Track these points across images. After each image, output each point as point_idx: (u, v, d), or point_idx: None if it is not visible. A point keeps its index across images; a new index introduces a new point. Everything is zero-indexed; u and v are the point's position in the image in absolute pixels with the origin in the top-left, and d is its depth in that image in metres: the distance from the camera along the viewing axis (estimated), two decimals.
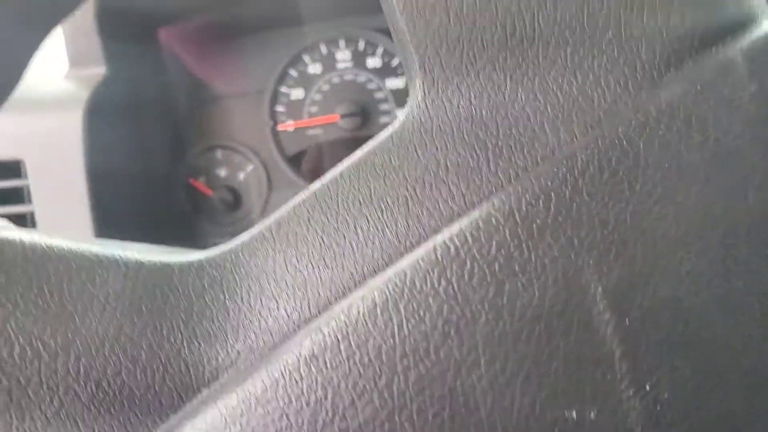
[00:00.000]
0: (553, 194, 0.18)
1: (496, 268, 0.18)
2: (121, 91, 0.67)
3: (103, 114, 0.62)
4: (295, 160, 0.81)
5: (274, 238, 0.22)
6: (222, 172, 0.82)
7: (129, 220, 0.71)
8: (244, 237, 0.23)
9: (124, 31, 0.69)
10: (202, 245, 0.80)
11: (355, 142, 0.82)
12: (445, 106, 0.21)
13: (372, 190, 0.21)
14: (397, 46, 0.22)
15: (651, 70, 0.20)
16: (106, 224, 0.64)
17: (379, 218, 0.21)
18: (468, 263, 0.18)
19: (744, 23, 0.20)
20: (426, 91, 0.21)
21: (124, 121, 0.69)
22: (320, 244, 0.21)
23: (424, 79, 0.21)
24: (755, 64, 0.18)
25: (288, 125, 0.81)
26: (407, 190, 0.21)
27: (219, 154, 0.81)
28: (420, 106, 0.21)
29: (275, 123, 0.81)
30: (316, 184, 0.22)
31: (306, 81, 0.81)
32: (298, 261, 0.21)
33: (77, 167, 0.60)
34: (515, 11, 0.20)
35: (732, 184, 0.18)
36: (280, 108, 0.81)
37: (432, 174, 0.21)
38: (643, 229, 0.18)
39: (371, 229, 0.21)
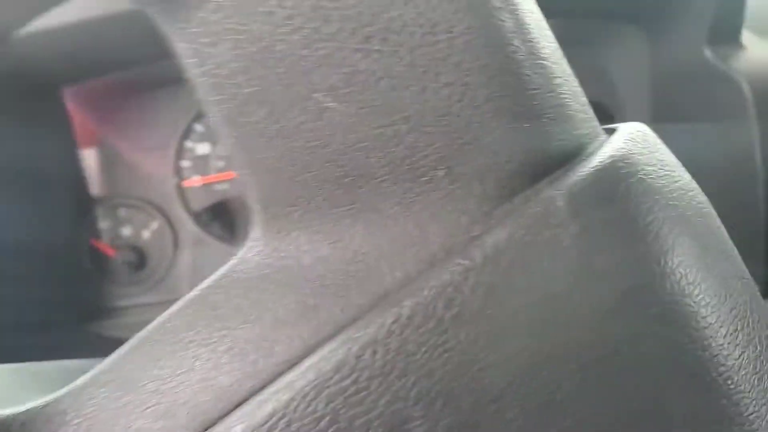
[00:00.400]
0: (380, 345, 0.18)
1: (323, 426, 0.18)
2: (14, 159, 0.64)
3: None
4: (202, 217, 0.79)
5: (109, 382, 0.21)
6: (126, 231, 0.79)
7: (29, 288, 0.67)
8: (77, 382, 0.21)
9: (18, 93, 0.66)
10: (109, 307, 0.77)
11: None
12: (284, 243, 0.21)
13: (209, 332, 0.21)
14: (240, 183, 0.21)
15: (483, 205, 0.20)
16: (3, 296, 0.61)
17: (215, 362, 0.20)
18: (296, 421, 0.18)
19: (570, 158, 0.20)
20: (265, 228, 0.21)
21: (18, 189, 0.66)
22: (155, 392, 0.20)
23: (262, 215, 0.21)
24: (577, 205, 0.19)
25: (194, 181, 0.79)
26: (244, 332, 0.20)
27: (123, 212, 0.79)
28: (258, 243, 0.21)
29: (181, 179, 0.79)
30: (153, 323, 0.22)
31: (212, 136, 0.79)
32: (129, 411, 0.20)
33: None
34: (348, 152, 0.19)
35: (556, 330, 0.18)
36: (185, 163, 0.79)
37: (271, 314, 0.20)
38: (469, 378, 0.18)
39: (208, 374, 0.20)
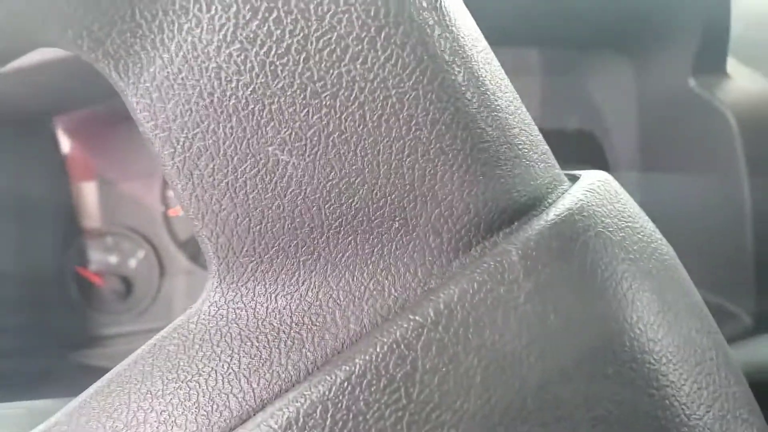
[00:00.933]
0: (330, 403, 0.18)
1: None
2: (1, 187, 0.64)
3: None
4: (187, 246, 0.79)
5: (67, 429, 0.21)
6: (113, 259, 0.78)
7: (15, 315, 0.67)
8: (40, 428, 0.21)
9: (10, 123, 0.66)
10: (94, 336, 0.76)
11: None
12: (239, 295, 0.20)
13: (163, 383, 0.20)
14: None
15: (439, 258, 0.19)
16: None
17: (168, 415, 0.20)
18: None
19: (528, 209, 0.20)
20: (220, 279, 0.21)
21: (4, 217, 0.65)
22: None
23: (217, 266, 0.20)
24: (532, 260, 0.18)
25: (180, 210, 0.79)
26: (198, 384, 0.20)
27: (109, 240, 0.78)
28: (214, 294, 0.21)
29: (167, 208, 0.79)
30: (111, 372, 0.21)
31: None
32: None
33: None
34: (302, 204, 0.19)
35: (510, 390, 0.18)
36: (171, 193, 0.79)
37: (225, 367, 0.20)
38: None
39: (160, 427, 0.20)
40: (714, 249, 0.68)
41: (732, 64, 0.71)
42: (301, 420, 0.18)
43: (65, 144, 0.76)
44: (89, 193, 0.78)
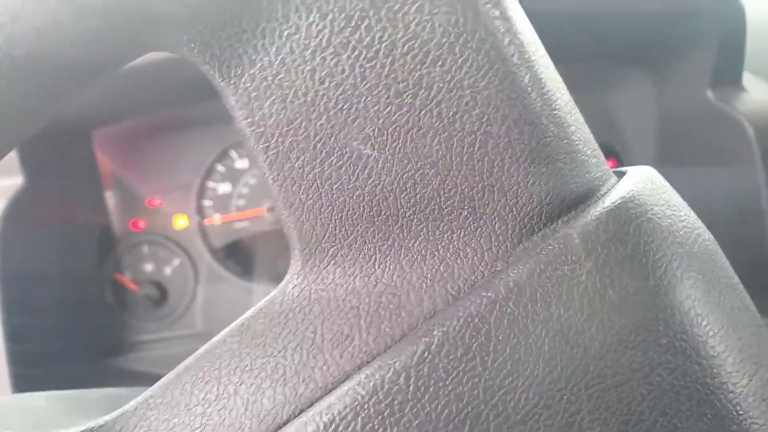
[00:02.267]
0: (412, 371, 0.19)
1: None
2: (43, 199, 0.66)
3: (21, 222, 0.61)
4: (221, 254, 0.81)
5: (159, 405, 0.22)
6: (148, 267, 0.81)
7: (54, 320, 0.69)
8: (129, 406, 0.23)
9: (52, 137, 0.69)
10: (129, 341, 0.78)
11: (282, 234, 0.82)
12: (321, 277, 0.22)
13: (251, 359, 0.22)
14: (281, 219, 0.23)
15: (504, 243, 0.21)
16: (24, 331, 0.62)
17: (257, 387, 0.22)
18: None
19: (584, 199, 0.22)
20: (303, 262, 0.23)
21: (45, 226, 0.68)
22: (201, 415, 0.22)
23: (301, 251, 0.22)
24: (591, 243, 0.20)
25: (215, 219, 0.81)
26: (285, 359, 0.22)
27: (146, 249, 0.81)
28: (298, 276, 0.23)
29: (202, 217, 0.81)
30: (200, 350, 0.23)
31: (233, 176, 0.82)
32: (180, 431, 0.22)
33: None
34: (380, 194, 0.21)
35: (573, 358, 0.19)
36: (207, 202, 0.82)
37: (309, 342, 0.22)
38: (495, 402, 0.19)
39: (251, 398, 0.21)
40: (734, 256, 0.70)
41: (747, 78, 0.72)
42: (386, 386, 0.19)
43: (104, 156, 0.79)
44: (126, 202, 0.81)
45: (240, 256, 0.82)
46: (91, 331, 0.76)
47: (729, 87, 0.68)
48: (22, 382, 0.60)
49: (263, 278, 0.81)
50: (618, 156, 0.86)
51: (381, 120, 0.20)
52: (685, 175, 0.77)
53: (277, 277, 0.82)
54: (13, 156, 0.63)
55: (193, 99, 0.74)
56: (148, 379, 0.78)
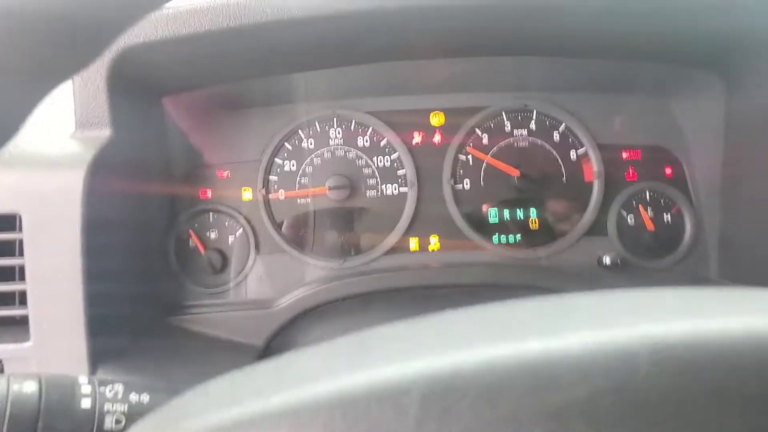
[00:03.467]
0: None
1: None
2: (124, 153, 0.68)
3: (105, 172, 0.63)
4: (283, 228, 0.83)
5: None
6: (212, 235, 0.83)
7: (120, 272, 0.71)
8: None
9: (131, 97, 0.71)
10: (189, 305, 0.80)
11: (341, 212, 0.84)
12: None
13: None
14: None
15: None
16: (98, 277, 0.64)
17: None
18: None
19: None
20: None
21: (125, 179, 0.70)
22: None
23: None
24: None
25: (279, 194, 0.83)
26: None
27: (210, 217, 0.83)
28: None
29: (267, 192, 0.83)
30: None
31: (299, 154, 0.83)
32: None
33: (74, 222, 0.61)
34: None
35: None
36: (273, 177, 0.83)
37: None
38: None
39: None
40: None
41: None
42: None
43: (178, 123, 0.81)
44: (197, 171, 0.83)
45: (300, 231, 0.83)
46: (155, 294, 0.78)
47: None
48: (97, 326, 0.62)
49: (319, 254, 0.83)
50: (677, 161, 0.84)
51: None
52: (749, 178, 0.75)
53: (332, 254, 0.83)
54: (104, 111, 0.65)
55: (264, 73, 0.75)
56: (203, 338, 0.79)
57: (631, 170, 0.85)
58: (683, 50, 0.73)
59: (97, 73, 0.66)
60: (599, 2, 0.64)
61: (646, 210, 0.84)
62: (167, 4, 0.46)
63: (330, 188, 0.82)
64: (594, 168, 0.84)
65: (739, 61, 0.71)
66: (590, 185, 0.84)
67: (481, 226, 0.84)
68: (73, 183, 0.61)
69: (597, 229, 0.84)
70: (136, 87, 0.72)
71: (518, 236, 0.85)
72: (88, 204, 0.61)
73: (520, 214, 0.85)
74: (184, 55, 0.69)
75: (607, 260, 0.82)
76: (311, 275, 0.82)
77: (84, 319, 0.61)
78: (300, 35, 0.66)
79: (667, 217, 0.84)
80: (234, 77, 0.76)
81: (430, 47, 0.74)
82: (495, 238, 0.84)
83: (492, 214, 0.85)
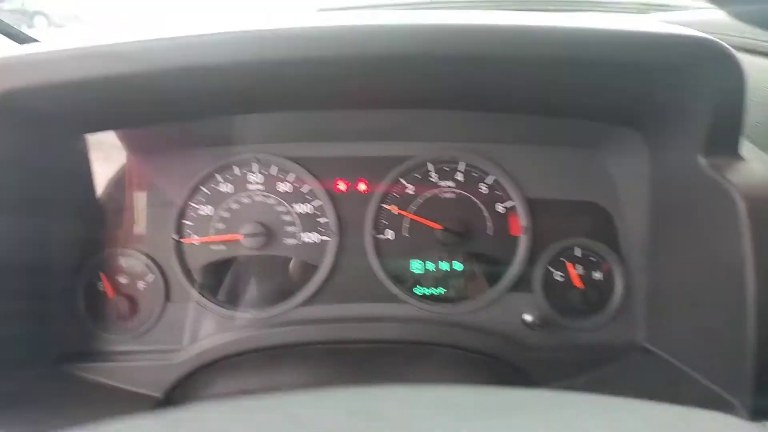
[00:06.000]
0: None
1: None
2: (18, 188, 0.63)
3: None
4: (195, 275, 0.77)
5: None
6: (123, 280, 0.77)
7: (9, 314, 0.64)
8: None
9: (32, 131, 0.66)
10: (93, 351, 0.73)
11: (257, 260, 0.78)
12: None
13: None
14: None
15: None
16: None
17: None
18: None
19: None
20: None
21: (19, 216, 0.65)
22: None
23: None
24: None
25: (193, 240, 0.77)
26: None
27: (123, 262, 0.77)
28: None
29: (180, 237, 0.77)
30: None
31: (216, 199, 0.78)
32: None
33: None
34: None
35: None
36: (188, 222, 0.78)
37: None
38: None
39: None
40: (715, 337, 0.61)
41: (748, 148, 0.64)
42: None
43: (97, 161, 0.76)
44: (111, 212, 0.78)
45: (212, 279, 0.77)
46: (55, 336, 0.72)
47: (724, 156, 0.60)
48: None
49: (232, 303, 0.76)
50: (609, 217, 0.78)
51: None
52: (672, 243, 0.69)
53: (246, 304, 0.77)
54: None
55: (175, 118, 0.70)
56: (102, 388, 0.72)
57: (560, 226, 0.79)
58: (601, 107, 0.68)
59: None
60: (513, 57, 0.59)
61: (574, 267, 0.78)
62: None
63: (246, 235, 0.76)
64: (521, 222, 0.78)
65: (658, 120, 0.66)
66: (517, 240, 0.78)
67: (403, 278, 0.78)
68: None
69: (523, 285, 0.78)
70: (51, 126, 0.67)
71: (441, 290, 0.79)
72: None
73: (444, 267, 0.79)
74: (105, 94, 0.64)
75: (528, 318, 0.75)
76: (222, 326, 0.75)
77: None
78: (205, 82, 0.61)
79: (596, 275, 0.78)
80: (141, 121, 0.71)
81: (352, 97, 0.69)
82: (417, 290, 0.78)
83: (415, 266, 0.79)
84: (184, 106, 0.67)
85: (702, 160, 0.60)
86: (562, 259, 0.78)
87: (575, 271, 0.78)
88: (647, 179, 0.71)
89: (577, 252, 0.78)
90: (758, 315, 0.55)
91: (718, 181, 0.58)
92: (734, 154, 0.60)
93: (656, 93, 0.62)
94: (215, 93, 0.63)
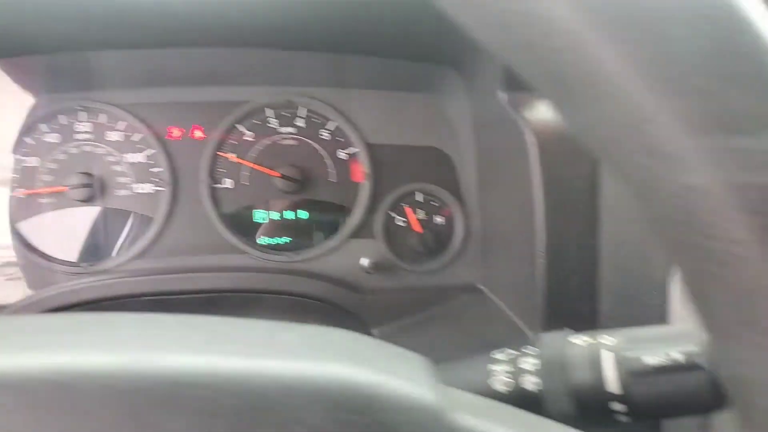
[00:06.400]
0: None
1: None
2: None
3: None
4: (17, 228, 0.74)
5: None
6: None
7: None
8: None
9: None
10: None
11: (87, 213, 0.75)
12: None
13: None
14: None
15: None
16: None
17: None
18: None
19: None
20: None
21: None
22: None
23: None
24: None
25: (20, 193, 0.74)
26: None
27: None
28: None
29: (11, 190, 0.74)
30: None
31: (42, 150, 0.74)
32: None
33: None
34: None
35: None
36: (14, 175, 0.74)
37: None
38: None
39: None
40: (518, 275, 0.61)
41: None
42: None
43: None
44: None
45: (41, 233, 0.74)
46: None
47: (523, 92, 0.59)
48: None
49: (61, 256, 0.74)
50: (450, 162, 0.78)
51: None
52: (493, 182, 0.69)
53: (77, 257, 0.74)
54: None
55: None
56: None
57: (402, 171, 0.78)
58: (418, 45, 0.67)
59: None
60: None
61: (414, 212, 0.78)
62: None
63: (70, 187, 0.73)
64: (363, 168, 0.77)
65: (467, 58, 0.65)
66: (359, 186, 0.77)
67: (243, 228, 0.77)
68: None
69: (365, 231, 0.77)
70: None
71: (286, 239, 0.77)
72: None
73: (289, 216, 0.78)
74: None
75: (364, 263, 0.75)
76: (50, 279, 0.73)
77: None
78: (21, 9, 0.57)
79: (438, 219, 0.78)
80: None
81: (182, 35, 0.66)
82: (263, 240, 0.77)
83: (259, 216, 0.77)
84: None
85: (502, 96, 0.59)
86: (402, 204, 0.78)
87: (414, 216, 0.77)
88: (470, 120, 0.70)
89: (419, 197, 0.78)
90: (547, 250, 0.55)
91: (513, 117, 0.57)
92: (530, 90, 0.60)
93: (459, 30, 0.60)
94: (36, 26, 0.60)
